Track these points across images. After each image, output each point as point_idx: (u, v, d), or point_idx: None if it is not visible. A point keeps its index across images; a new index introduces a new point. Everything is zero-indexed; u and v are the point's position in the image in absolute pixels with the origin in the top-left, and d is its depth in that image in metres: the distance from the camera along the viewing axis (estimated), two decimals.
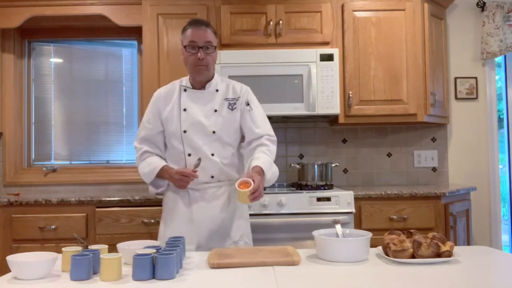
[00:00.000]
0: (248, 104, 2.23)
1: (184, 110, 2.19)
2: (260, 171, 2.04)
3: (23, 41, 3.79)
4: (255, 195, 1.91)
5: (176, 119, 2.19)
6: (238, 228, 2.22)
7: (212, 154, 2.16)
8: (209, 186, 2.19)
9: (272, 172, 2.15)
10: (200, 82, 2.22)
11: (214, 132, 2.17)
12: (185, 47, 2.15)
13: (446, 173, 3.81)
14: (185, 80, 2.26)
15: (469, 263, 1.60)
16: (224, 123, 2.19)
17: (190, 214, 2.19)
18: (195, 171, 2.10)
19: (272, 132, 2.25)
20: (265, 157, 2.12)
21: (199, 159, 2.12)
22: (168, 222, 2.24)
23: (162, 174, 2.20)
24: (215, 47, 2.18)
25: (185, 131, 2.17)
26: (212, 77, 2.24)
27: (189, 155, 2.17)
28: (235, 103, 2.22)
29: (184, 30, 2.19)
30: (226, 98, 2.22)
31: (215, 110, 2.19)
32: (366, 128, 3.77)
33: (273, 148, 2.22)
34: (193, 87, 2.23)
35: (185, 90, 2.23)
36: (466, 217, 3.40)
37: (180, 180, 2.12)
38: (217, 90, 2.23)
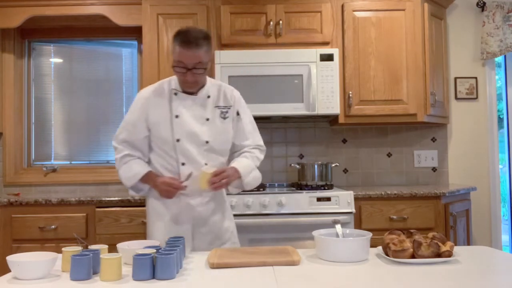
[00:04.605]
0: (238, 114, 2.20)
1: (177, 117, 2.08)
2: (234, 169, 2.09)
3: (23, 41, 3.79)
4: (214, 180, 1.98)
5: (168, 126, 2.09)
6: (226, 230, 2.22)
7: (206, 164, 2.09)
8: (200, 195, 2.15)
9: (253, 177, 2.17)
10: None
11: (207, 142, 2.11)
12: (173, 66, 2.02)
13: (446, 173, 3.81)
14: (174, 82, 2.13)
15: (469, 263, 1.60)
16: (217, 132, 2.13)
17: (178, 218, 2.14)
18: (182, 182, 2.03)
19: (261, 142, 2.27)
20: (245, 161, 2.15)
21: (191, 173, 2.04)
22: (158, 226, 2.16)
23: (146, 180, 2.13)
24: (208, 62, 2.06)
25: (178, 140, 2.08)
26: (204, 84, 2.14)
27: (183, 164, 2.09)
28: (227, 112, 2.17)
29: (174, 40, 2.02)
30: (218, 106, 2.15)
31: (207, 119, 2.12)
32: (366, 128, 3.76)
33: (259, 155, 2.24)
34: (184, 91, 2.11)
35: (175, 93, 2.11)
36: (466, 217, 3.40)
37: (167, 191, 2.06)
38: (208, 97, 2.14)
